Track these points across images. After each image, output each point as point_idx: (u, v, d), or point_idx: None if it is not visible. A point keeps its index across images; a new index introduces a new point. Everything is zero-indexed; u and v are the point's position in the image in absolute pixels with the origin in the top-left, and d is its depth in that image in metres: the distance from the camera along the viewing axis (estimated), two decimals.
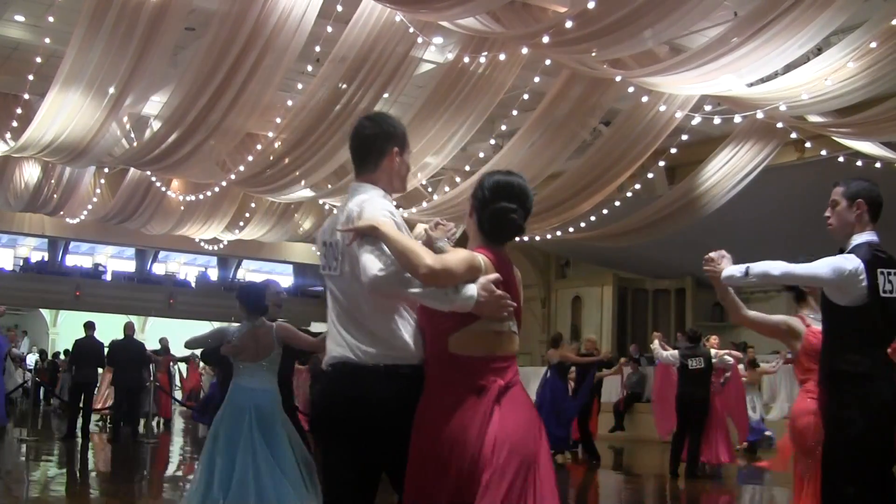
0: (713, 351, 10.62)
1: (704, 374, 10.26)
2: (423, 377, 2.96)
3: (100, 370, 14.77)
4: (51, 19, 11.20)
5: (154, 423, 16.77)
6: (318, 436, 3.21)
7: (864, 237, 3.86)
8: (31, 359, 23.09)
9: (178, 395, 21.22)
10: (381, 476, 3.11)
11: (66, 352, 22.44)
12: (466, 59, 11.54)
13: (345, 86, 11.56)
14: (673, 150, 13.68)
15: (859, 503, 3.59)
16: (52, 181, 16.89)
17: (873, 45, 9.67)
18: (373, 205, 3.00)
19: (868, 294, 3.69)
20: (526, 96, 12.82)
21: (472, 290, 2.83)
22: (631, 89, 11.73)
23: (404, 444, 2.91)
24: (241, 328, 5.62)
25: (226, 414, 5.53)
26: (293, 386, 6.39)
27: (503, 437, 2.78)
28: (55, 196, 17.23)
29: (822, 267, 3.79)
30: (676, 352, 10.60)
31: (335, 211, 3.33)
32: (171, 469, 11.25)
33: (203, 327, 27.11)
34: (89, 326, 13.47)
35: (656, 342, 10.88)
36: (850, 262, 3.74)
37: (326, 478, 3.17)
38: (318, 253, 3.23)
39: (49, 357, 24.05)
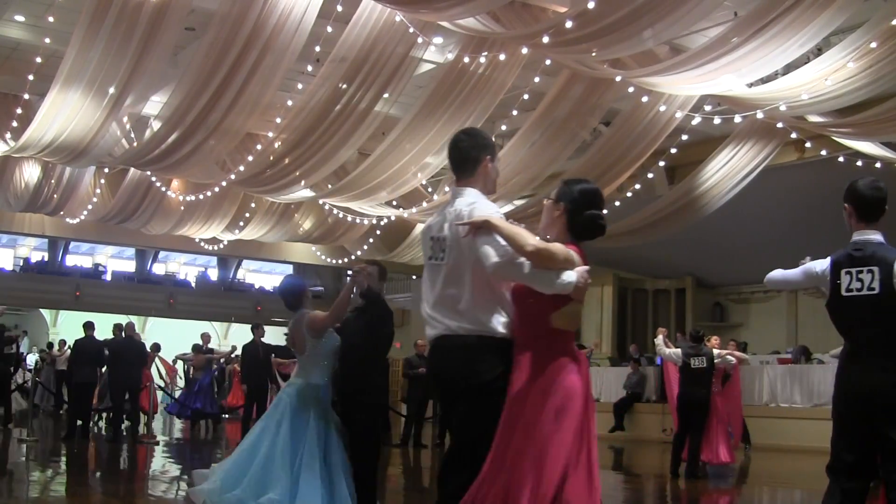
0: (715, 351, 10.62)
1: (706, 373, 10.26)
2: (503, 347, 3.54)
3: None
4: (51, 19, 11.21)
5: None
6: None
7: (853, 237, 4.04)
8: (31, 359, 23.09)
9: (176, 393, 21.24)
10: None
11: (50, 344, 22.55)
12: (466, 59, 11.54)
13: (345, 86, 11.56)
14: (673, 150, 13.68)
15: (834, 478, 3.97)
16: (52, 181, 16.88)
17: (873, 45, 9.68)
18: (482, 205, 3.61)
19: (831, 293, 4.02)
20: (526, 96, 12.82)
21: (572, 276, 3.42)
22: (631, 89, 11.72)
23: (489, 401, 3.49)
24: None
25: None
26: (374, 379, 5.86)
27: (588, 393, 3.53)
28: (55, 196, 17.22)
29: (798, 271, 4.25)
30: (679, 350, 10.60)
31: (433, 214, 3.99)
32: (171, 469, 11.25)
33: (203, 327, 27.16)
34: (89, 326, 13.45)
35: (660, 337, 10.84)
36: (819, 265, 4.11)
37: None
38: (424, 246, 3.80)
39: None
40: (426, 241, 3.76)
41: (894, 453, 3.78)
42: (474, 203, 3.61)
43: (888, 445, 3.79)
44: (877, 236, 3.96)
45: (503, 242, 3.42)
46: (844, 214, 4.08)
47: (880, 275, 3.81)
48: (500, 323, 3.54)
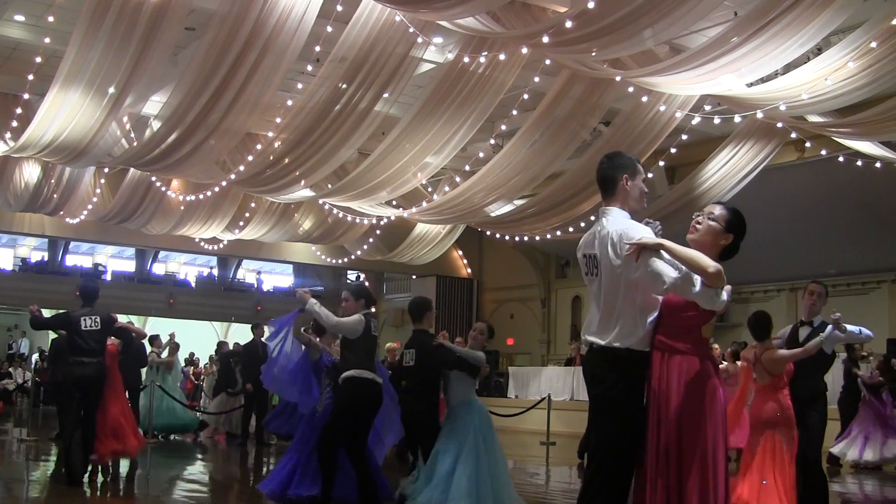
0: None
1: None
2: (642, 358, 3.82)
3: None
4: (51, 19, 11.19)
5: None
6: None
7: None
8: (32, 358, 23.10)
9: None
10: None
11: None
12: (466, 59, 11.53)
13: (345, 86, 11.56)
14: (673, 150, 13.68)
15: None
16: (52, 181, 16.86)
17: (873, 45, 9.68)
18: (634, 227, 3.82)
19: None
20: (526, 96, 12.82)
21: (725, 295, 3.75)
22: (631, 89, 11.72)
23: (628, 407, 3.80)
24: None
25: None
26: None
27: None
28: (55, 196, 17.20)
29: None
30: None
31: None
32: (172, 469, 11.25)
33: (203, 327, 27.11)
34: None
35: None
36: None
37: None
38: (580, 262, 4.04)
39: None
40: (580, 257, 4.02)
41: None
42: (625, 226, 3.82)
43: None
44: None
45: (675, 263, 3.69)
46: None
47: None
48: (645, 332, 3.83)
